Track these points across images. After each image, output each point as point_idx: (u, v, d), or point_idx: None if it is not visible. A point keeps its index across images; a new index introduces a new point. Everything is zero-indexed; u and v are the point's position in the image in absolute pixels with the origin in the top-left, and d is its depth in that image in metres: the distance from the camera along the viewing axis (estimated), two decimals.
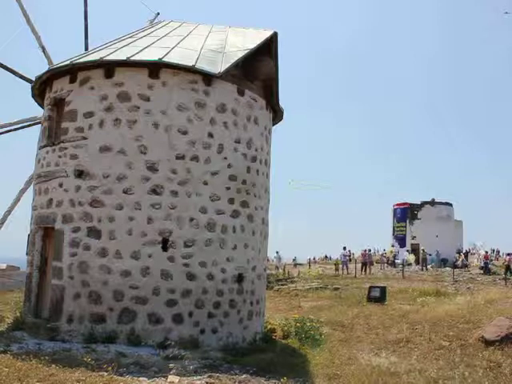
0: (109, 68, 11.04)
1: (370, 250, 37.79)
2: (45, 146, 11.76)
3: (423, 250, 37.50)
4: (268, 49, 12.65)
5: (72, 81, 11.39)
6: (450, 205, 43.60)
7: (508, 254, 41.05)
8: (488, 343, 12.04)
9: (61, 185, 10.96)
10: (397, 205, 44.39)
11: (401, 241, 43.09)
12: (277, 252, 38.69)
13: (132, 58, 10.92)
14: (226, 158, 11.43)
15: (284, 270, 32.94)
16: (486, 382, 9.38)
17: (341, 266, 34.91)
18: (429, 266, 36.62)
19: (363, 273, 33.06)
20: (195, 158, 10.99)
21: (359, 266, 34.28)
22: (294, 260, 42.08)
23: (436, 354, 11.83)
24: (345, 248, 36.99)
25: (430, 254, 38.02)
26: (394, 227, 44.38)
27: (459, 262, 37.42)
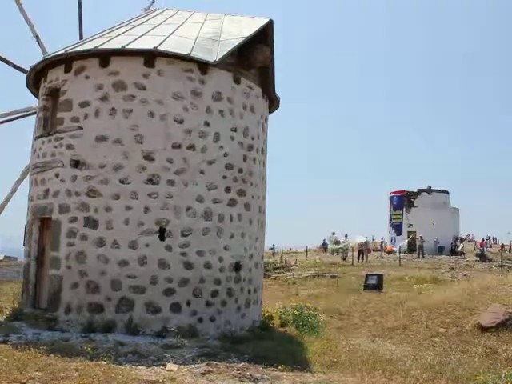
0: (104, 57, 10.95)
1: (366, 237, 38.02)
2: (40, 137, 11.70)
3: (421, 237, 37.61)
4: (264, 37, 12.56)
5: (67, 70, 11.30)
6: (447, 192, 43.66)
7: (482, 240, 41.63)
8: (484, 330, 12.17)
9: (57, 175, 10.92)
10: (393, 192, 44.41)
11: (397, 228, 43.21)
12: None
13: (127, 47, 10.84)
14: (222, 147, 11.39)
15: (281, 259, 33.02)
16: (482, 367, 9.47)
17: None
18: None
19: (360, 261, 33.24)
20: (191, 147, 10.95)
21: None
22: (271, 249, 38.27)
23: (433, 341, 11.95)
24: (346, 236, 37.62)
25: (426, 241, 38.05)
26: (390, 215, 44.46)
27: (459, 249, 37.64)
